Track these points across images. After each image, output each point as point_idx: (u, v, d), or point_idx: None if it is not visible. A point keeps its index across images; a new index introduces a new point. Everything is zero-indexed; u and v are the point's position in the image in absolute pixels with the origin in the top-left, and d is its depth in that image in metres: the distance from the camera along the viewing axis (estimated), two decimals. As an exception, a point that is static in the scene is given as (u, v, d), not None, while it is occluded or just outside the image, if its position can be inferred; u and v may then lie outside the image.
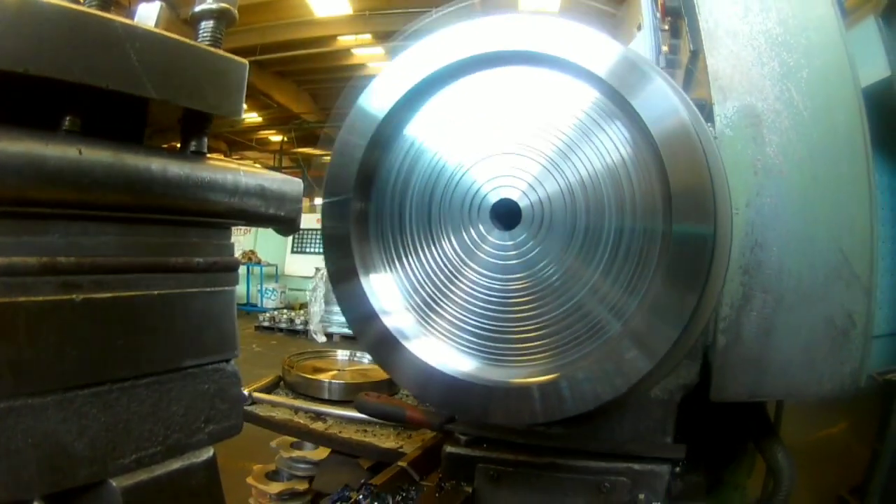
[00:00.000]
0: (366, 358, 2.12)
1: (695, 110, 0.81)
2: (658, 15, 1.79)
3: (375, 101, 0.80)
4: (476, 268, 0.78)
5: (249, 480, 1.59)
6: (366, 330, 0.80)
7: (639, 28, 2.07)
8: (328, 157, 0.77)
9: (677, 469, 1.07)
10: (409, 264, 0.80)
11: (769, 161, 1.00)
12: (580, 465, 0.98)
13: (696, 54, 1.14)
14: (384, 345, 0.79)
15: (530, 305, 0.76)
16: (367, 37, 12.02)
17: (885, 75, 1.54)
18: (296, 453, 1.54)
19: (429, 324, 0.80)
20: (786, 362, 1.04)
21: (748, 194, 1.01)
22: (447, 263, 0.79)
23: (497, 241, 0.77)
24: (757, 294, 1.01)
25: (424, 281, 0.80)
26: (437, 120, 0.79)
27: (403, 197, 0.79)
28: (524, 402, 0.74)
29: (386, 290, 0.80)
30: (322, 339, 9.60)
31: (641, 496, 0.96)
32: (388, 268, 0.79)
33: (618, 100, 0.73)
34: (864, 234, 1.06)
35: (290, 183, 0.64)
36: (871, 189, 1.09)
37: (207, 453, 0.54)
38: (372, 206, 0.80)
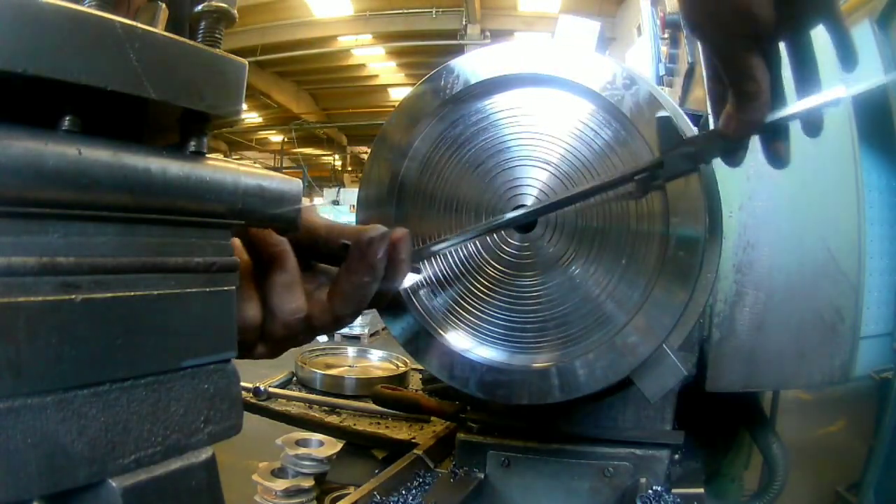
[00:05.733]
0: (375, 355, 2.19)
1: (687, 122, 0.88)
2: (658, 24, 1.86)
3: (403, 116, 0.87)
4: (498, 266, 0.84)
5: (255, 477, 1.59)
6: (400, 324, 0.87)
7: (638, 29, 2.14)
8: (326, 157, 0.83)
9: (676, 456, 1.13)
10: (437, 264, 0.87)
11: (761, 167, 1.06)
12: (585, 450, 1.04)
13: (693, 66, 1.20)
14: (417, 338, 0.86)
15: (547, 299, 0.83)
16: (368, 37, 12.05)
17: (880, 79, 1.59)
18: (301, 451, 1.52)
19: (457, 317, 0.87)
20: (777, 355, 1.10)
21: (741, 198, 1.08)
22: (472, 263, 0.86)
23: (516, 243, 0.83)
24: (749, 291, 1.07)
25: (451, 279, 0.87)
26: (459, 135, 0.86)
27: (430, 203, 0.86)
28: (545, 383, 0.81)
29: (417, 287, 0.87)
30: (324, 338, 9.61)
31: (643, 479, 1.01)
32: (418, 268, 0.86)
33: (618, 115, 0.80)
34: (851, 234, 1.12)
35: (289, 183, 0.62)
36: (860, 192, 1.15)
37: (207, 453, 0.53)
38: (402, 212, 0.87)
